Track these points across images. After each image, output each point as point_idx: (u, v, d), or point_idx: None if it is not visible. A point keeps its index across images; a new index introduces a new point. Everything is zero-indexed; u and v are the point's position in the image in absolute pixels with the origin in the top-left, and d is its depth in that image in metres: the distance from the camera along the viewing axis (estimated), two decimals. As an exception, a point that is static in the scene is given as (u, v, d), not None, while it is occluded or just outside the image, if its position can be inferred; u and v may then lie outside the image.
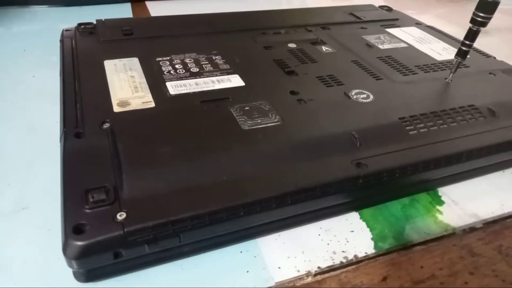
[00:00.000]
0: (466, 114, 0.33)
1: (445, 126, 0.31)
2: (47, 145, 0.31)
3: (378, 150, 0.28)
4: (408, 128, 0.30)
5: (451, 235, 0.27)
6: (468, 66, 0.41)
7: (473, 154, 0.30)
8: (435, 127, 0.31)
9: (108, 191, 0.22)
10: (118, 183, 0.23)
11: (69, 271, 0.22)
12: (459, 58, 0.36)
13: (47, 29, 0.51)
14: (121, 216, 0.21)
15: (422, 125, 0.31)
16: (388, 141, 0.29)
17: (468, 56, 0.43)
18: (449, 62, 0.41)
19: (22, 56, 0.45)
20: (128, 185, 0.23)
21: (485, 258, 0.25)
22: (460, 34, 0.50)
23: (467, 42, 0.35)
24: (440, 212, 0.29)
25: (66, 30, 0.42)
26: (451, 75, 0.37)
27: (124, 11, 0.60)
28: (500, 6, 0.34)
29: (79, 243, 0.20)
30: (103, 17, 0.45)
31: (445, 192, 0.30)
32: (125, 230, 0.20)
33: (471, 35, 0.35)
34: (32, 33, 0.51)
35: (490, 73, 0.39)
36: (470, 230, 0.27)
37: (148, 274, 0.23)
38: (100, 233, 0.20)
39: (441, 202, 0.29)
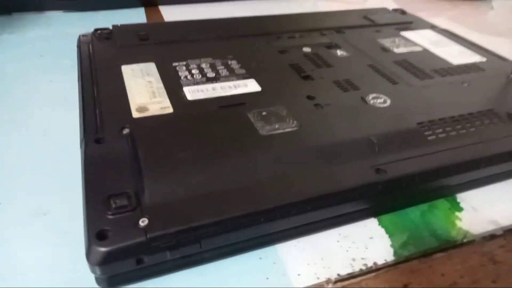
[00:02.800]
0: (484, 119, 0.32)
1: (464, 131, 0.31)
2: (65, 150, 0.32)
3: (397, 155, 0.28)
4: (426, 133, 0.30)
5: (471, 242, 0.27)
6: (484, 70, 0.40)
7: (492, 160, 0.29)
8: (454, 132, 0.31)
9: (130, 197, 0.22)
10: (139, 189, 0.23)
11: (91, 276, 0.22)
12: None
13: (63, 34, 0.52)
14: (143, 222, 0.21)
15: (440, 130, 0.30)
16: (406, 147, 0.28)
17: (484, 59, 0.43)
18: (465, 65, 0.41)
19: (39, 61, 0.46)
20: (149, 191, 0.23)
21: (507, 266, 0.25)
22: (474, 36, 0.50)
23: None
24: (459, 219, 0.28)
25: (83, 36, 0.42)
26: None
27: (138, 16, 0.60)
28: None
29: (103, 249, 0.20)
30: (117, 22, 0.45)
31: (463, 198, 0.30)
32: (148, 236, 0.21)
33: None
34: (48, 39, 0.51)
35: (507, 77, 0.39)
36: (490, 237, 0.27)
37: (169, 280, 0.23)
38: (123, 239, 0.20)
39: (460, 209, 0.29)
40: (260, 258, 0.24)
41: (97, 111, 0.30)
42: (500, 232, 0.27)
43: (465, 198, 0.30)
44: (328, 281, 0.23)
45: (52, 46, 0.49)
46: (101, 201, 0.22)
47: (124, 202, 0.22)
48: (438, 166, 0.27)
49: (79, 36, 0.43)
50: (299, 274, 0.24)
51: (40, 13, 0.59)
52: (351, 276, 0.24)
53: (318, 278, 0.23)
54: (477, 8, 0.72)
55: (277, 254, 0.25)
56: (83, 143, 0.27)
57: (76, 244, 0.23)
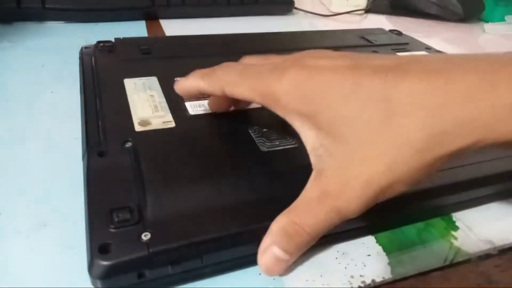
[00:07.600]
0: (479, 140, 0.33)
1: (460, 151, 0.32)
2: (65, 162, 0.32)
3: (394, 174, 0.28)
4: (423, 153, 0.31)
5: (466, 262, 0.27)
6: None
7: (488, 180, 0.30)
8: (450, 153, 0.31)
9: (133, 211, 0.23)
10: (141, 203, 0.23)
11: (92, 289, 0.22)
12: None
13: (64, 45, 0.52)
14: (145, 236, 0.21)
15: (437, 150, 0.31)
16: (404, 166, 0.29)
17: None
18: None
19: (40, 72, 0.46)
20: (151, 205, 0.23)
21: (503, 285, 0.25)
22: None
23: None
24: (455, 238, 0.29)
25: (85, 48, 0.43)
26: None
27: (139, 29, 0.61)
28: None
29: (105, 262, 0.20)
30: (118, 35, 0.46)
31: (459, 217, 0.30)
32: (150, 250, 0.21)
33: None
34: (49, 49, 0.52)
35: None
36: (486, 256, 0.28)
37: (169, 294, 0.23)
38: (126, 253, 0.20)
39: (455, 228, 0.30)
40: (260, 274, 0.25)
41: (100, 124, 0.30)
42: (495, 252, 0.28)
43: (461, 217, 0.31)
44: (327, 298, 0.24)
45: (53, 57, 0.49)
46: (103, 214, 0.22)
47: (127, 215, 0.22)
48: (433, 185, 0.28)
49: (82, 48, 0.43)
50: (298, 291, 0.24)
51: (41, 24, 0.60)
52: (350, 293, 0.24)
53: (317, 295, 0.24)
54: (470, 31, 0.74)
55: (276, 270, 0.25)
56: (86, 156, 0.27)
57: (76, 256, 0.23)
